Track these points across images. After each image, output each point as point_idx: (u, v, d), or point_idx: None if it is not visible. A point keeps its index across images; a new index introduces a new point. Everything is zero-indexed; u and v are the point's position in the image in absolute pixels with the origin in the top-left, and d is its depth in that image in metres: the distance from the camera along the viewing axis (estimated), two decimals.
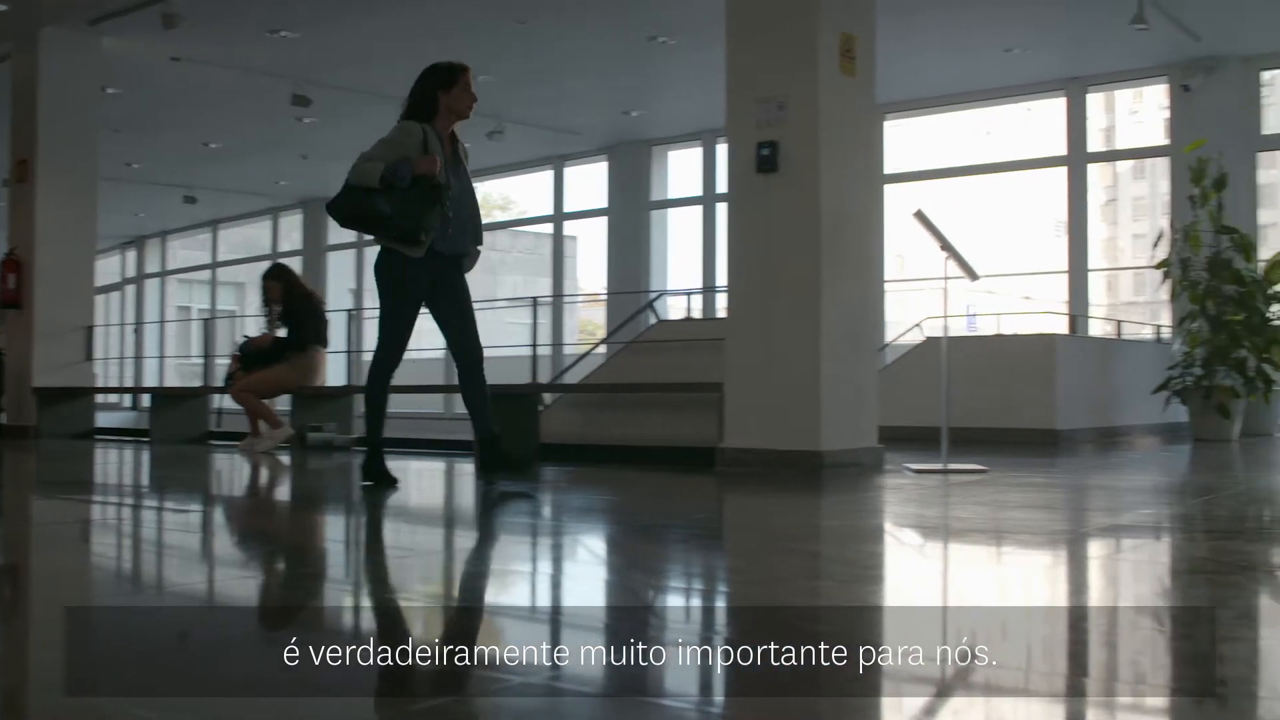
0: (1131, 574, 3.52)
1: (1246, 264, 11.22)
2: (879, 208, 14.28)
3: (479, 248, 6.17)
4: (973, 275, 7.13)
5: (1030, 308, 15.24)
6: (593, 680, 2.20)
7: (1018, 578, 3.47)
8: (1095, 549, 3.94)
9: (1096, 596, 3.14)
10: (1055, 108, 13.95)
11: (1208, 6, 11.33)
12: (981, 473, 6.81)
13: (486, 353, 6.20)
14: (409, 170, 5.68)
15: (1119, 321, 12.83)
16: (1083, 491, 6.26)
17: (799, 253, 7.12)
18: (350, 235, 21.26)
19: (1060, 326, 12.87)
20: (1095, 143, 43.04)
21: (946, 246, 7.02)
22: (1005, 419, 10.24)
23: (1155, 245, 11.58)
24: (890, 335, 13.34)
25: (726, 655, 2.49)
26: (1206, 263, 11.09)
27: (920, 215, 7.09)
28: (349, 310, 17.84)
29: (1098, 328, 14.15)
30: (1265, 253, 11.87)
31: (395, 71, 13.59)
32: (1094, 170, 14.20)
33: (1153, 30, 11.12)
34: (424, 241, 5.79)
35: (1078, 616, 2.83)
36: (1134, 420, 11.42)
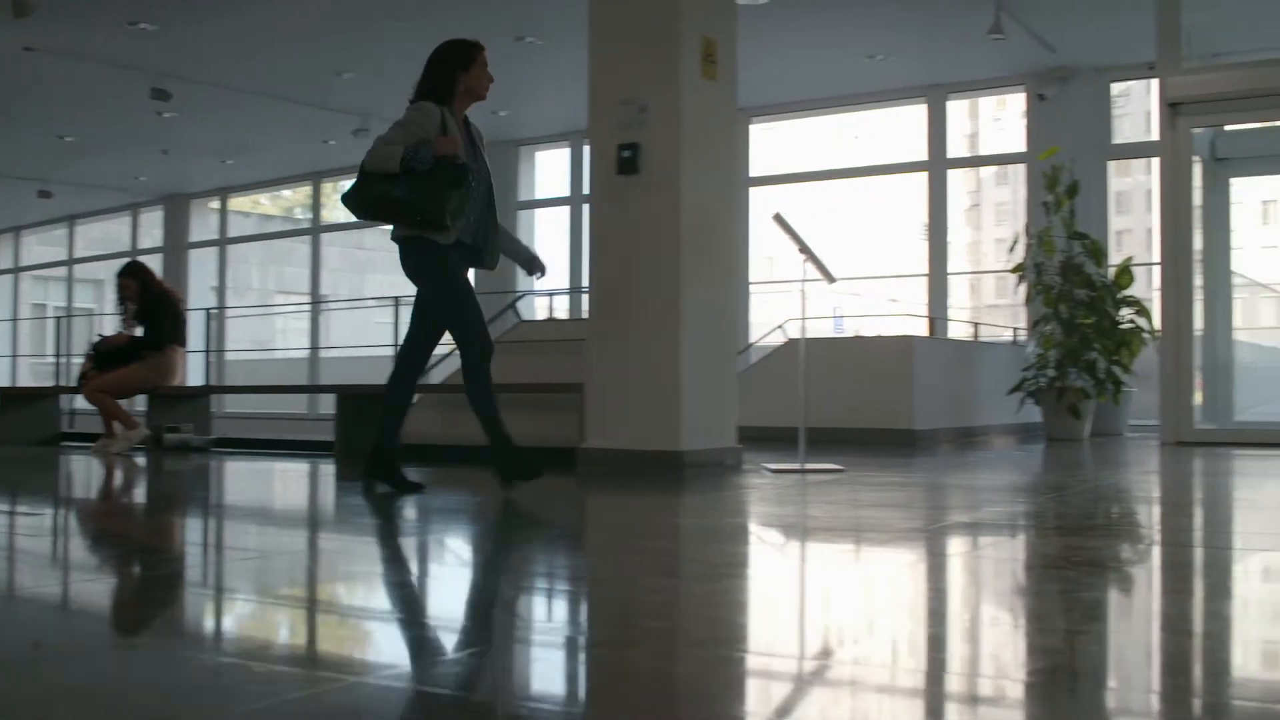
0: (980, 570, 3.60)
1: (1097, 269, 11.55)
2: (743, 210, 14.45)
3: (495, 238, 5.87)
4: (830, 278, 7.24)
5: (895, 310, 15.53)
6: (428, 679, 2.20)
7: (865, 575, 3.53)
8: (942, 546, 4.02)
9: (942, 592, 3.21)
10: (921, 113, 14.21)
11: (1062, 19, 11.64)
12: (838, 472, 6.91)
13: (353, 354, 6.05)
14: (429, 153, 5.35)
15: (976, 324, 13.11)
16: (934, 490, 6.39)
17: (660, 254, 7.17)
18: (213, 233, 20.93)
19: (920, 329, 13.12)
20: (960, 148, 44.03)
21: (805, 249, 7.11)
22: (864, 419, 10.41)
23: (1011, 250, 11.86)
24: (759, 336, 13.47)
25: (570, 652, 2.50)
26: (1059, 267, 11.39)
27: (779, 218, 7.18)
28: (209, 309, 17.52)
29: (957, 330, 14.44)
30: (1116, 258, 12.24)
31: (258, 67, 13.52)
32: (958, 175, 14.54)
33: (1010, 40, 11.40)
34: (451, 226, 5.44)
35: (924, 612, 2.89)
36: (990, 420, 11.69)
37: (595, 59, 7.54)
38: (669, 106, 7.23)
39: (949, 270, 13.98)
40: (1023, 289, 11.79)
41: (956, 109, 14.41)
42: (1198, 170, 11.97)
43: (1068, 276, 11.34)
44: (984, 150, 43.33)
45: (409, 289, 5.82)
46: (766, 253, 22.70)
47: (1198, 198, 11.84)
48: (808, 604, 3.09)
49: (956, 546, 4.01)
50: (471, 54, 5.76)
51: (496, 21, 11.91)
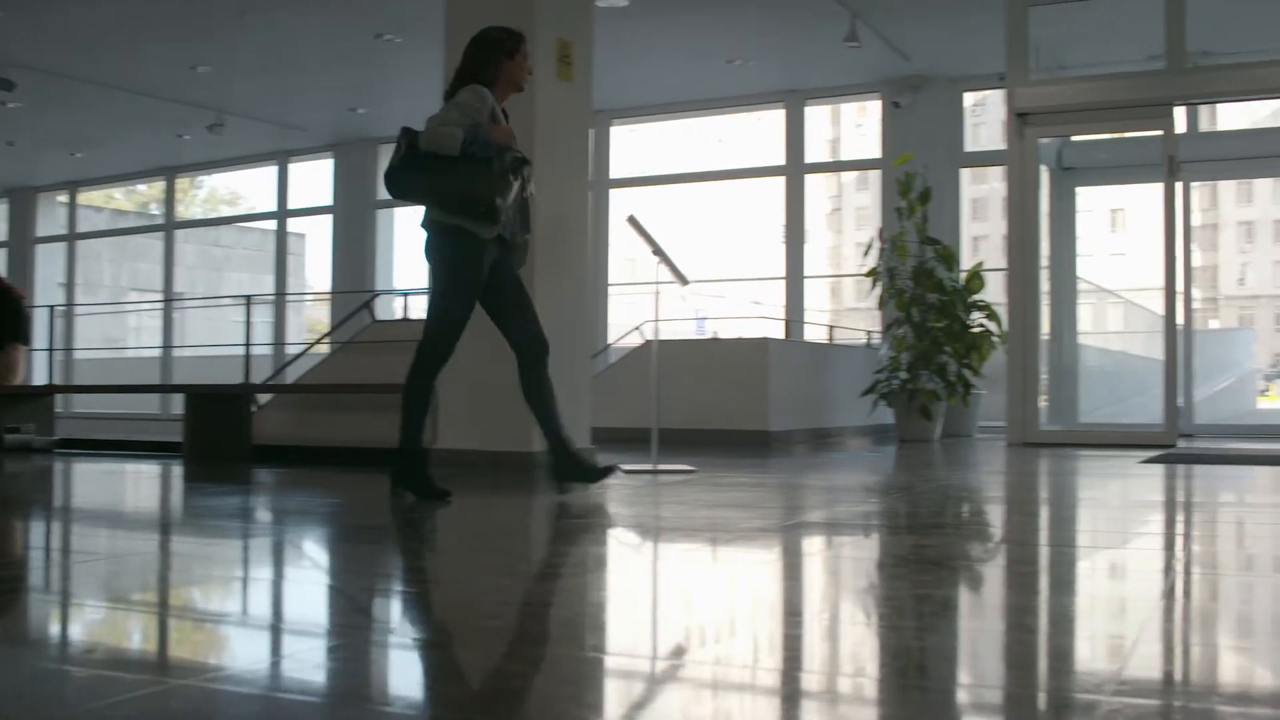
0: (824, 569, 3.66)
1: (949, 274, 11.81)
2: (603, 211, 14.49)
3: (528, 236, 5.61)
4: (683, 280, 7.28)
5: (756, 312, 15.68)
6: (254, 681, 2.17)
7: (706, 575, 3.56)
8: (785, 545, 4.06)
9: (785, 591, 3.25)
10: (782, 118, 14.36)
11: (916, 29, 11.87)
12: (690, 473, 6.96)
13: (208, 353, 5.84)
14: (489, 139, 5.15)
15: (831, 327, 13.31)
16: (782, 490, 6.46)
17: None
18: (61, 228, 20.36)
19: (778, 331, 13.27)
20: (822, 153, 44.37)
21: (658, 251, 7.15)
22: (721, 421, 10.51)
23: (866, 254, 12.06)
24: (618, 337, 13.52)
25: (408, 652, 2.49)
26: (912, 272, 11.62)
27: (632, 221, 7.20)
28: (52, 306, 17.03)
29: (814, 333, 14.63)
30: (971, 263, 12.53)
31: (109, 58, 13.19)
32: (820, 180, 14.80)
33: (865, 48, 11.60)
34: (501, 220, 5.21)
35: (766, 610, 2.92)
36: (844, 422, 11.86)
37: (451, 58, 7.45)
38: (523, 107, 7.18)
39: (806, 274, 14.16)
40: (876, 293, 12.00)
41: (819, 114, 14.63)
42: (1045, 179, 12.31)
43: (920, 281, 11.57)
44: (846, 155, 44.02)
45: (265, 287, 5.69)
46: (629, 254, 22.78)
47: (1045, 205, 12.18)
48: (648, 603, 3.10)
49: (800, 545, 4.07)
50: (516, 43, 5.54)
51: (354, 18, 11.80)
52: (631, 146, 17.17)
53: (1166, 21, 10.51)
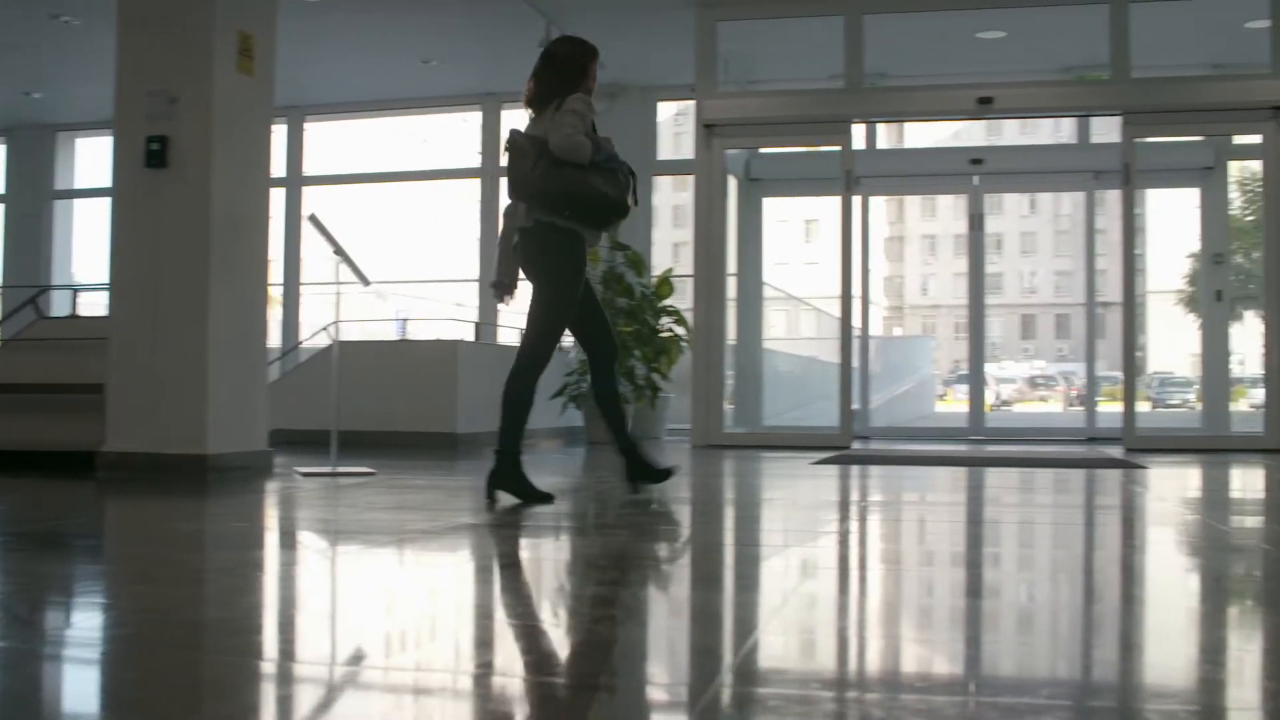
0: (481, 570, 3.69)
1: (639, 279, 12.04)
2: (297, 210, 14.21)
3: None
4: (365, 281, 7.23)
5: (454, 315, 15.61)
6: None
7: (361, 577, 3.54)
8: (444, 546, 4.08)
9: (425, 592, 3.26)
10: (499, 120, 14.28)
11: (611, 37, 12.00)
12: (369, 475, 6.91)
13: None
14: (612, 149, 5.29)
15: (521, 330, 13.34)
16: (457, 492, 6.47)
17: (188, 252, 6.96)
18: None
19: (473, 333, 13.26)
20: None
21: (339, 252, 7.08)
22: (409, 423, 10.45)
23: None
24: (310, 337, 13.28)
25: (34, 663, 2.39)
26: (601, 277, 11.79)
27: (314, 219, 7.10)
28: None
29: (509, 335, 14.64)
30: (662, 268, 12.80)
31: None
32: None
33: None
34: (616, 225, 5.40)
35: (408, 611, 2.93)
36: (536, 424, 11.83)
37: (124, 44, 7.22)
38: (201, 100, 7.02)
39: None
40: None
41: (525, 117, 14.63)
42: (733, 188, 12.70)
43: (609, 285, 11.75)
44: None
45: None
46: (325, 253, 22.35)
47: (733, 215, 12.57)
48: (300, 606, 3.07)
49: (456, 546, 4.09)
50: (595, 54, 5.59)
51: None
52: (332, 144, 16.89)
53: (846, 44, 11.00)
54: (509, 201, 5.51)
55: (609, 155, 5.30)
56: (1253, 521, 5.28)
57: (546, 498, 5.35)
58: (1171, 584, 3.58)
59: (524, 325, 5.51)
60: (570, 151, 5.17)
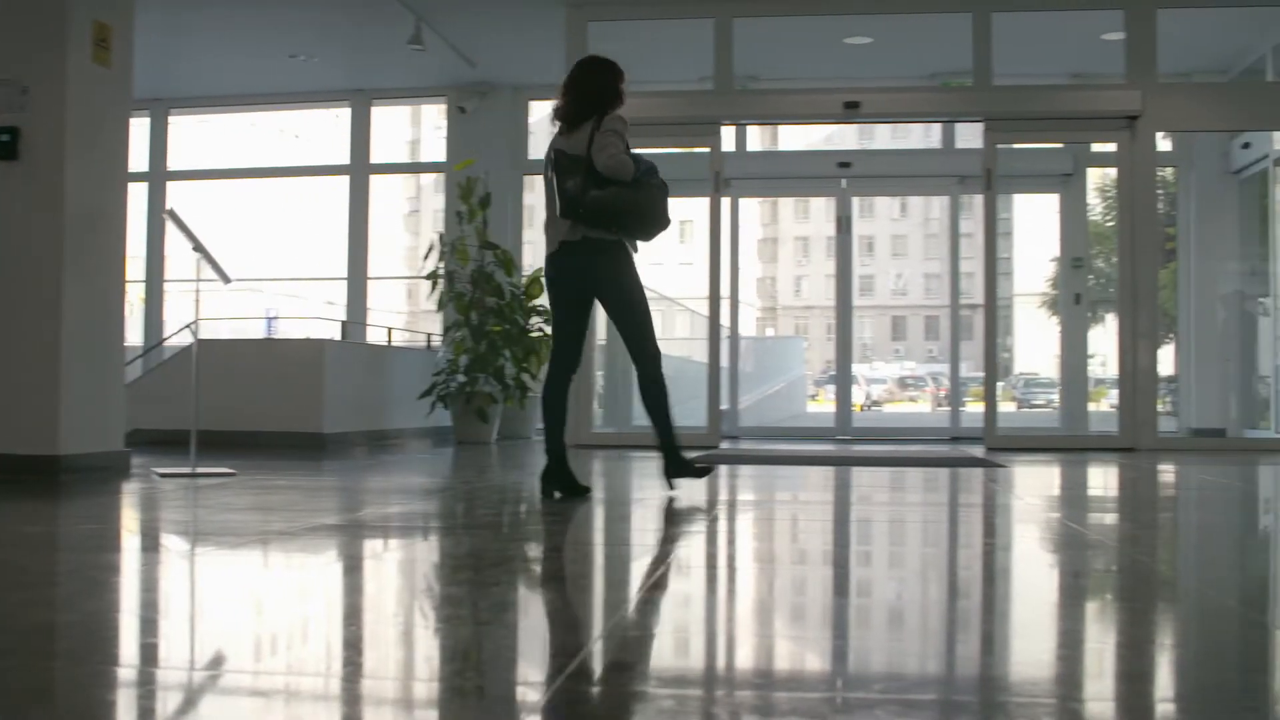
0: (334, 571, 3.65)
1: (508, 279, 12.01)
2: (159, 204, 13.92)
3: None
4: (225, 279, 7.11)
5: (330, 313, 15.41)
6: None
7: (203, 579, 3.49)
8: (293, 548, 4.03)
9: (278, 594, 3.22)
10: (372, 117, 14.14)
11: (482, 36, 12.00)
12: (229, 475, 6.80)
13: None
14: (651, 164, 5.58)
15: (390, 329, 13.27)
16: (317, 492, 6.40)
17: (40, 247, 6.80)
18: None
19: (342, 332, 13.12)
20: (401, 154, 43.76)
21: (199, 248, 6.95)
22: (274, 422, 10.31)
23: (426, 257, 12.09)
24: (172, 335, 13.02)
25: None
26: (471, 276, 11.74)
27: (171, 214, 6.99)
28: None
29: (378, 334, 14.53)
30: (531, 269, 12.77)
31: None
32: (400, 181, 14.63)
33: (431, 53, 11.63)
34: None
35: (250, 613, 2.88)
36: (404, 424, 11.86)
37: None
38: (54, 91, 6.86)
39: (371, 275, 14.06)
40: (435, 295, 12.06)
41: (401, 115, 14.55)
42: None
43: (479, 285, 11.71)
44: (426, 157, 43.94)
45: None
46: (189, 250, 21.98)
47: None
48: (145, 610, 3.01)
49: (308, 547, 4.04)
50: (623, 75, 5.79)
51: None
52: (202, 139, 16.60)
53: (716, 46, 11.09)
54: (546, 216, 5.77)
55: (647, 169, 5.58)
56: (1097, 518, 5.42)
57: (587, 491, 5.86)
58: (1004, 579, 3.67)
59: (627, 342, 5.80)
60: (616, 170, 5.45)
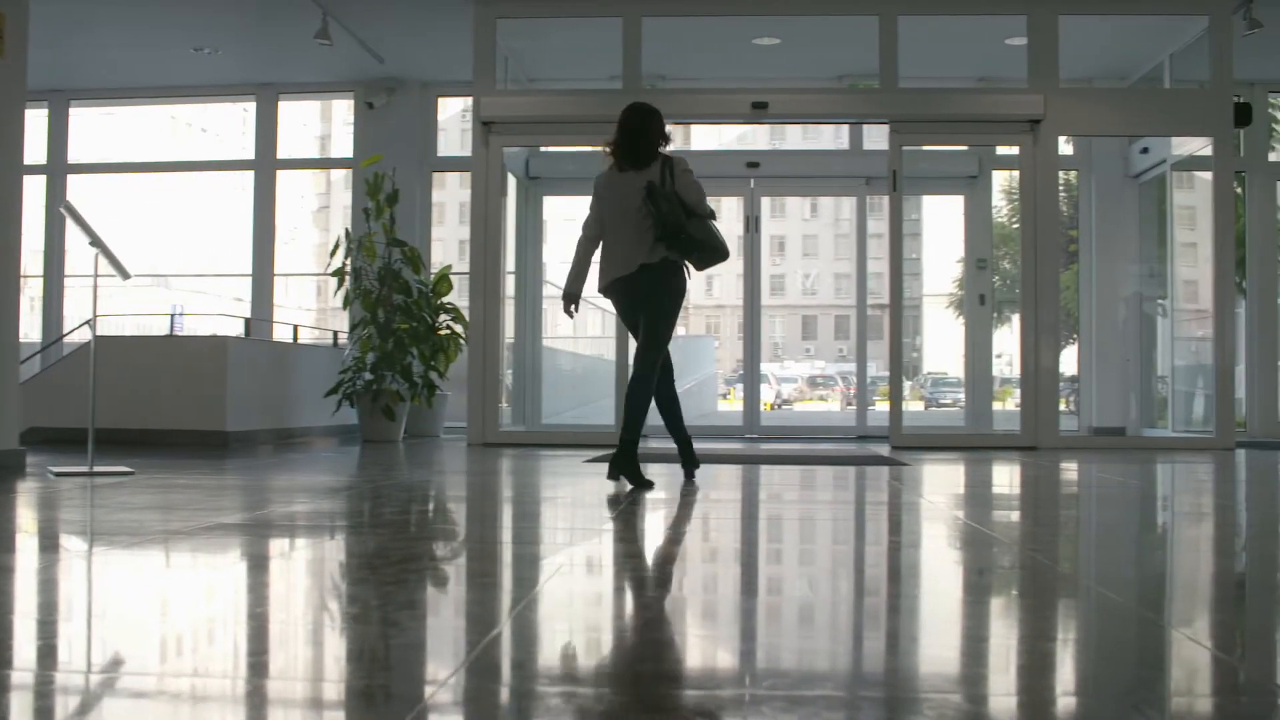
0: (233, 572, 3.59)
1: (416, 276, 11.91)
2: (57, 197, 13.65)
3: None
4: (124, 274, 6.97)
5: (238, 310, 15.21)
6: None
7: (108, 580, 3.42)
8: (188, 547, 3.97)
9: (158, 595, 3.16)
10: (280, 111, 13.96)
11: (389, 31, 11.90)
12: (127, 474, 6.68)
13: None
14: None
15: (296, 326, 13.11)
16: (217, 491, 6.29)
17: None
18: None
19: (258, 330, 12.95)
20: (312, 149, 43.42)
21: (96, 242, 6.82)
22: (177, 421, 10.15)
23: (333, 254, 11.96)
24: (70, 332, 12.78)
25: None
26: (379, 273, 11.64)
27: (67, 207, 6.84)
28: None
29: (284, 332, 14.36)
30: (439, 265, 12.70)
31: None
32: (309, 176, 14.52)
33: (339, 48, 11.52)
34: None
35: (189, 616, 2.83)
36: (310, 422, 11.73)
37: None
38: None
39: (277, 271, 13.90)
40: (341, 293, 11.94)
41: (311, 109, 14.39)
42: (513, 187, 12.68)
43: (386, 282, 11.61)
44: (337, 153, 43.52)
45: None
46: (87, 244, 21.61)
47: (512, 212, 12.55)
48: (41, 610, 2.94)
49: (201, 547, 3.98)
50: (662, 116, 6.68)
51: None
52: (105, 131, 16.30)
53: (625, 45, 11.08)
54: (593, 224, 6.64)
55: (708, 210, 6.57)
56: (999, 516, 5.49)
57: (649, 484, 6.33)
58: (895, 575, 3.70)
59: (643, 340, 6.51)
60: (702, 208, 6.52)
